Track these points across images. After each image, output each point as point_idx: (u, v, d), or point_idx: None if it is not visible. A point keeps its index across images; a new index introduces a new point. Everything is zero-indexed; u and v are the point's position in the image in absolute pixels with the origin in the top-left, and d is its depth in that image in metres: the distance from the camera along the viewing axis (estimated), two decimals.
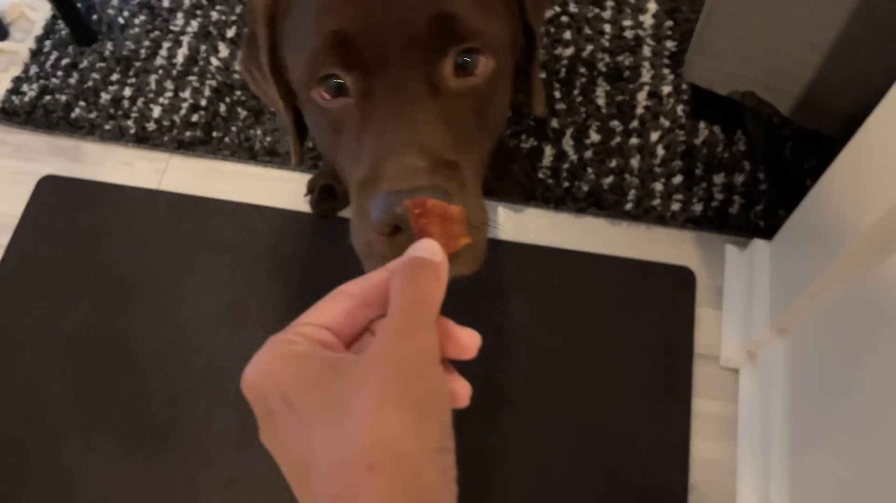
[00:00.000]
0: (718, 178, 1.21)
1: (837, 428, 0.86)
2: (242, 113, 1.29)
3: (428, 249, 0.42)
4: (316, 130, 0.65)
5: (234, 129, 1.28)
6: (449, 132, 0.55)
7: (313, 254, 1.20)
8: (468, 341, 0.41)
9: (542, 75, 1.28)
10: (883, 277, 0.79)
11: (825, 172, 0.91)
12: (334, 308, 0.41)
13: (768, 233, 1.12)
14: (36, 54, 1.36)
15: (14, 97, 1.32)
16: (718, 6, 1.01)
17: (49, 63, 1.35)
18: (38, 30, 1.39)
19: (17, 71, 1.35)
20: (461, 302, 1.11)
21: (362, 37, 0.54)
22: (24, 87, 1.33)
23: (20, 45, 1.39)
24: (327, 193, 1.18)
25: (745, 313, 1.10)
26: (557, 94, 1.28)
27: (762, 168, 1.19)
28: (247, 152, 1.26)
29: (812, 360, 0.95)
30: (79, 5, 1.35)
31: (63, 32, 1.37)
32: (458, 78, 0.57)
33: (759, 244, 1.11)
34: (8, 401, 1.12)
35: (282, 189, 1.24)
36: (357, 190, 0.56)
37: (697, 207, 1.19)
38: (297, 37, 0.60)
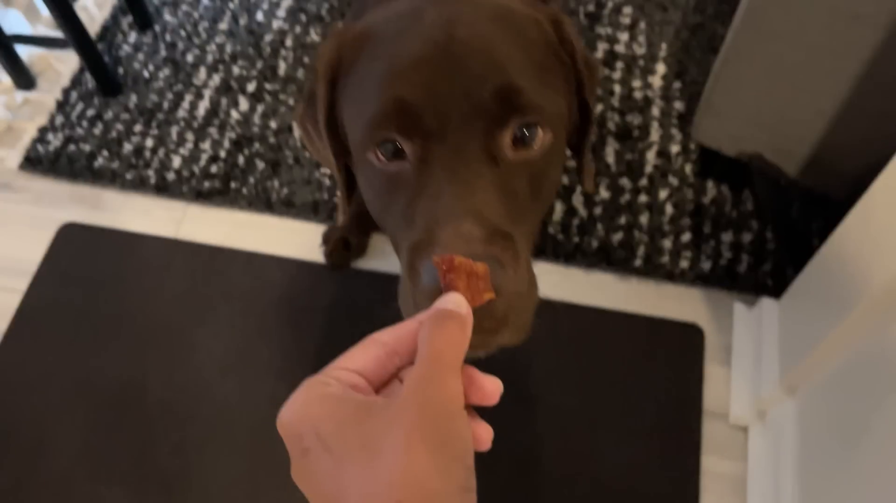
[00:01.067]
0: (727, 237, 1.23)
1: (848, 489, 0.85)
2: (260, 165, 1.32)
3: (454, 302, 0.44)
4: (368, 191, 0.65)
5: (251, 180, 1.31)
6: (504, 202, 0.55)
7: (325, 304, 1.21)
8: (491, 388, 0.43)
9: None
10: (893, 338, 0.80)
11: (832, 234, 0.92)
12: (366, 354, 0.43)
13: (776, 291, 1.13)
14: (62, 105, 1.41)
15: (39, 146, 1.36)
16: (726, 70, 1.04)
17: (75, 113, 1.39)
18: (66, 81, 1.44)
19: (43, 120, 1.39)
20: (485, 366, 1.12)
21: (424, 105, 0.55)
22: (49, 137, 1.37)
23: (47, 96, 1.44)
24: (342, 245, 1.20)
25: (755, 371, 1.10)
26: (568, 152, 1.31)
27: (770, 228, 1.21)
28: (263, 203, 1.29)
29: (822, 420, 0.95)
30: (105, 58, 1.39)
31: (89, 84, 1.42)
32: (515, 150, 0.57)
33: (767, 303, 1.12)
34: (17, 447, 1.12)
35: (296, 239, 1.27)
36: (408, 253, 0.55)
37: (706, 265, 1.20)
38: (358, 98, 0.61)
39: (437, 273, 0.48)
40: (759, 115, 1.06)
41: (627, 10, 1.48)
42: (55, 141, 1.37)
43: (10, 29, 1.40)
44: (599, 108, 1.35)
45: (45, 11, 1.51)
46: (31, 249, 1.27)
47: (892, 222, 0.79)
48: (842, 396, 0.91)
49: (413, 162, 0.57)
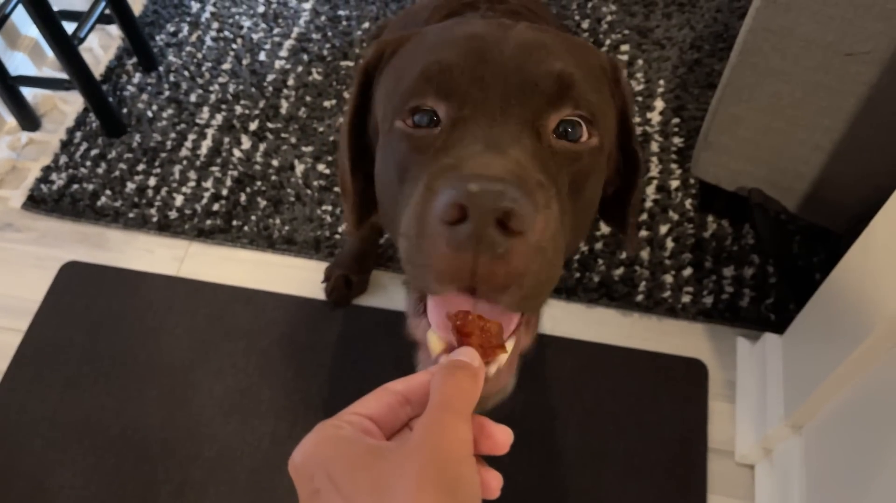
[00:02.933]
0: (728, 271, 1.22)
1: None
2: (262, 202, 1.33)
3: (467, 355, 0.45)
4: (387, 168, 0.58)
5: (253, 217, 1.31)
6: (540, 178, 0.48)
7: (327, 342, 1.21)
8: (502, 438, 0.43)
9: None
10: None
11: (834, 270, 0.92)
12: (379, 402, 0.44)
13: (779, 326, 1.12)
14: (66, 145, 1.42)
15: (43, 185, 1.37)
16: (723, 107, 1.05)
17: (78, 153, 1.40)
18: (70, 121, 1.45)
19: (47, 160, 1.41)
20: None
21: (468, 69, 0.52)
22: (53, 176, 1.38)
23: (51, 136, 1.45)
24: (343, 283, 1.20)
25: (759, 408, 1.09)
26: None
27: (771, 262, 1.21)
28: (265, 240, 1.29)
29: (829, 458, 0.94)
30: (110, 99, 1.41)
31: (93, 124, 1.43)
32: (559, 140, 0.53)
33: (770, 338, 1.11)
34: (17, 490, 1.11)
35: (298, 277, 1.27)
36: (427, 177, 0.49)
37: (708, 300, 1.20)
38: (394, 77, 0.58)
39: (458, 185, 0.43)
40: (756, 151, 1.07)
41: (625, 47, 1.50)
42: (59, 180, 1.38)
43: (15, 70, 1.42)
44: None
45: (50, 53, 1.54)
46: (33, 289, 1.28)
47: (894, 257, 0.79)
48: (848, 433, 0.90)
49: (445, 126, 0.52)
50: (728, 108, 1.05)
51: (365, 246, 1.19)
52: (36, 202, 1.36)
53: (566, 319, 1.21)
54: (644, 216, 1.28)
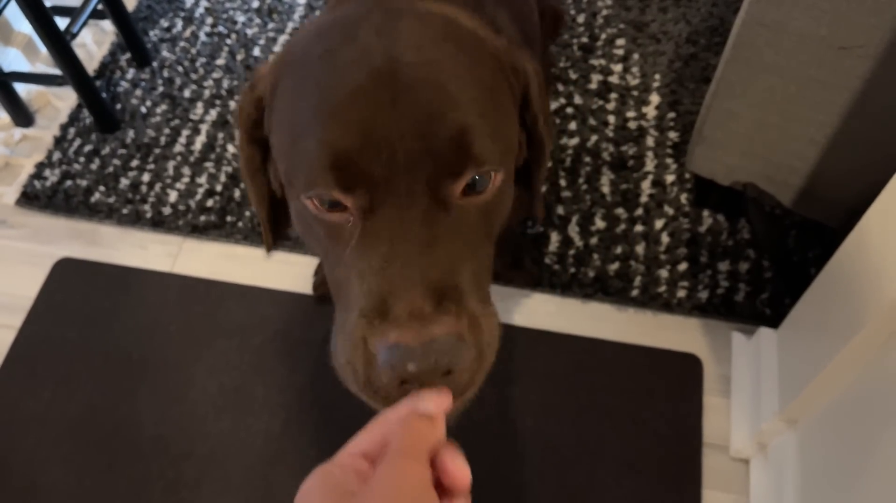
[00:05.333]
0: (723, 266, 1.22)
1: None
2: None
3: (425, 402, 0.49)
4: (306, 233, 0.60)
5: (247, 213, 1.31)
6: (456, 250, 0.53)
7: (320, 338, 1.20)
8: (460, 475, 0.47)
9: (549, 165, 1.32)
10: (893, 366, 0.79)
11: (827, 264, 0.92)
12: (371, 436, 0.49)
13: (774, 320, 1.12)
14: (60, 141, 1.41)
15: (36, 182, 1.36)
16: (717, 101, 1.05)
17: (72, 149, 1.40)
18: (63, 117, 1.45)
19: (40, 157, 1.40)
20: (481, 397, 1.11)
21: (366, 156, 0.50)
22: (47, 173, 1.37)
23: (45, 132, 1.45)
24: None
25: (754, 403, 1.09)
26: (563, 183, 1.31)
27: (766, 257, 1.21)
28: (259, 236, 1.29)
29: (823, 452, 0.94)
30: (103, 95, 1.41)
31: (87, 120, 1.43)
32: (466, 197, 0.54)
33: (765, 332, 1.11)
34: (9, 488, 1.11)
35: (291, 272, 1.26)
36: (358, 322, 0.52)
37: (703, 295, 1.20)
38: (287, 131, 0.55)
39: (397, 361, 0.49)
40: (751, 146, 1.06)
41: (621, 41, 1.49)
42: (52, 177, 1.37)
43: (8, 66, 1.42)
44: (594, 138, 1.36)
45: (43, 49, 1.53)
46: (27, 286, 1.27)
47: (887, 250, 0.78)
48: (842, 427, 0.90)
49: (356, 214, 0.53)
50: (722, 103, 1.05)
51: None
52: (29, 198, 1.35)
53: (561, 314, 1.21)
54: (639, 210, 1.28)
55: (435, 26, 0.56)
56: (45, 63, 1.53)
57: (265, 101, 0.60)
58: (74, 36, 1.31)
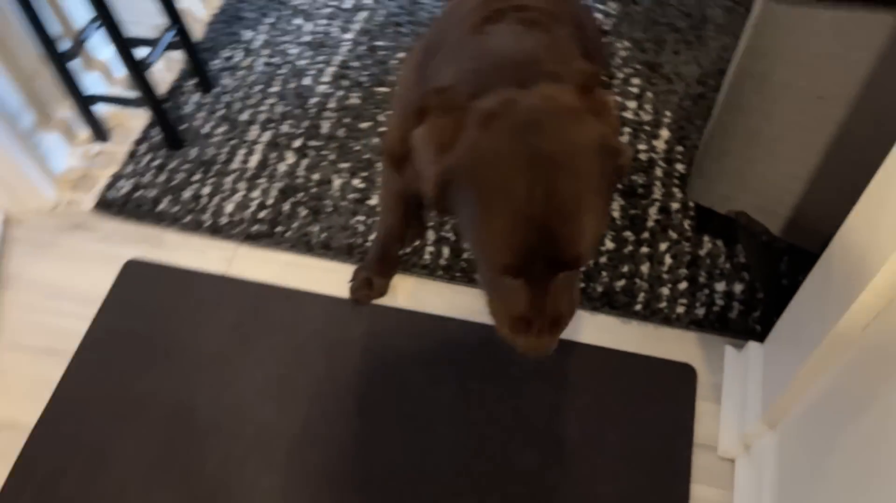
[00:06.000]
0: (720, 287, 1.35)
1: None
2: (303, 212, 1.49)
3: None
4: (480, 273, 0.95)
5: (294, 225, 1.47)
6: (563, 294, 0.85)
7: (355, 337, 1.36)
8: None
9: None
10: (852, 376, 0.92)
11: (801, 285, 1.05)
12: None
13: (763, 336, 1.25)
14: (132, 155, 1.60)
15: (111, 191, 1.54)
16: (714, 140, 1.19)
17: (142, 163, 1.58)
18: (136, 135, 1.63)
19: (114, 169, 1.58)
20: (495, 386, 1.25)
21: (526, 258, 0.80)
22: (120, 183, 1.56)
23: (119, 147, 1.63)
24: (366, 283, 1.36)
25: (741, 408, 1.21)
26: None
27: (757, 279, 1.34)
28: (304, 246, 1.45)
29: (797, 451, 1.06)
30: (171, 116, 1.58)
31: (156, 138, 1.61)
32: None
33: (753, 346, 1.24)
34: (81, 455, 1.26)
35: (332, 279, 1.42)
36: (509, 330, 0.88)
37: (700, 311, 1.33)
38: (478, 231, 0.82)
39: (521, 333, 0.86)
40: (742, 179, 1.20)
41: (636, 80, 1.64)
42: (125, 187, 1.55)
43: (89, 89, 1.60)
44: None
45: (118, 73, 1.72)
46: (100, 282, 1.44)
47: (847, 273, 0.91)
48: (812, 429, 1.03)
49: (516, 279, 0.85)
50: (717, 142, 1.19)
51: (388, 251, 1.35)
52: (104, 206, 1.53)
53: (571, 324, 1.34)
54: (646, 234, 1.42)
55: (569, 129, 0.81)
56: (121, 86, 1.72)
57: (452, 181, 0.83)
58: (150, 64, 1.50)
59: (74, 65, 1.54)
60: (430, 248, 1.43)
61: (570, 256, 0.80)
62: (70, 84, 1.52)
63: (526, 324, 0.85)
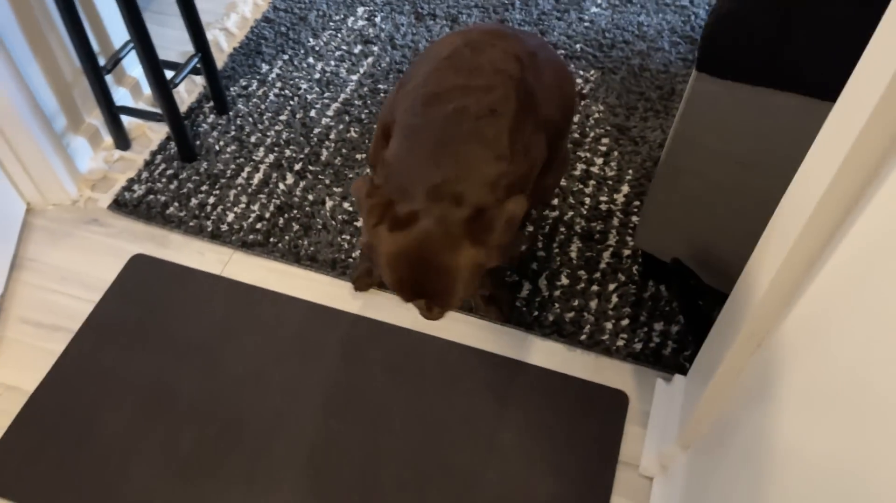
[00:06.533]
0: (658, 326, 1.51)
1: None
2: (295, 227, 1.66)
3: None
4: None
5: (287, 237, 1.64)
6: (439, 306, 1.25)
7: (330, 342, 1.51)
8: None
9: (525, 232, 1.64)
10: (736, 399, 1.08)
11: (714, 325, 1.21)
12: None
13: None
14: (148, 164, 1.78)
15: (126, 193, 1.72)
16: (655, 193, 1.37)
17: (157, 171, 1.76)
18: (154, 146, 1.82)
19: (131, 174, 1.77)
20: (448, 394, 1.40)
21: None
22: (135, 187, 1.73)
23: (137, 156, 1.81)
24: (365, 272, 1.54)
25: (663, 432, 1.36)
26: (540, 245, 1.63)
27: (684, 319, 1.50)
28: (294, 257, 1.62)
29: (701, 471, 1.20)
30: (188, 132, 1.77)
31: (172, 150, 1.79)
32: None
33: (679, 379, 1.39)
34: (70, 422, 1.41)
35: (315, 288, 1.58)
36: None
37: (638, 346, 1.49)
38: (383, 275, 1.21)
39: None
40: (679, 230, 1.37)
41: (605, 140, 1.83)
42: (139, 191, 1.73)
43: (118, 102, 1.80)
44: (570, 214, 1.68)
45: (146, 91, 1.92)
46: (107, 271, 1.61)
47: (734, 315, 1.07)
48: (710, 451, 1.17)
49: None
50: (658, 196, 1.36)
51: None
52: (119, 205, 1.71)
53: (522, 347, 1.50)
54: (598, 274, 1.59)
55: (443, 254, 1.14)
56: (145, 102, 1.92)
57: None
58: (176, 85, 1.69)
59: (108, 79, 1.73)
60: None
61: (434, 301, 1.21)
62: (102, 95, 1.72)
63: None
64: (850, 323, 0.73)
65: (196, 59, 1.76)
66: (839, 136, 0.75)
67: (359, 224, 1.67)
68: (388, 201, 1.19)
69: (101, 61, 1.71)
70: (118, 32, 1.77)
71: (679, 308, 1.52)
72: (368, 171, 1.74)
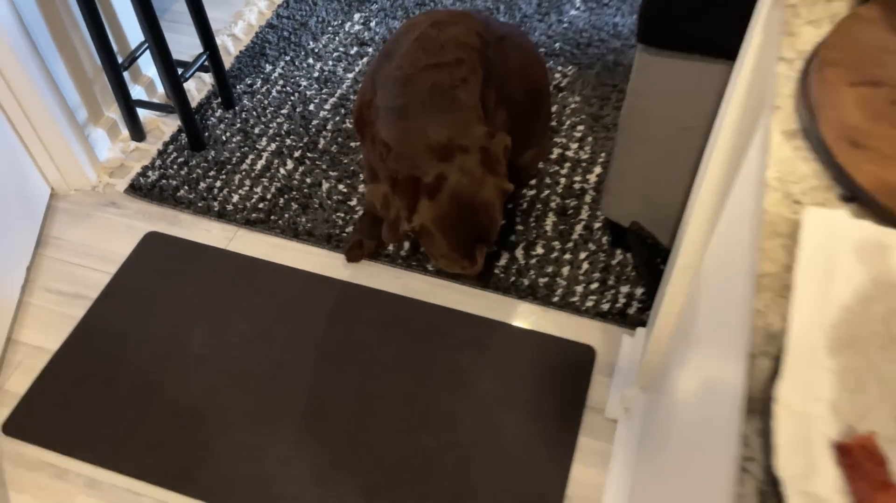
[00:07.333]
0: (625, 289, 1.65)
1: (662, 459, 1.23)
2: (294, 206, 1.82)
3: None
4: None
5: (286, 215, 1.80)
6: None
7: (325, 304, 1.66)
8: None
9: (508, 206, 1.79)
10: (674, 339, 1.21)
11: (663, 279, 1.35)
12: None
13: None
14: (161, 153, 1.95)
15: (141, 179, 1.89)
16: (614, 162, 1.52)
17: (169, 159, 1.93)
18: (167, 137, 1.99)
19: (146, 162, 1.93)
20: (434, 350, 1.53)
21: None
22: (149, 173, 1.90)
23: (151, 146, 1.99)
24: (357, 244, 1.69)
25: (626, 380, 1.49)
26: (518, 219, 1.78)
27: (642, 277, 1.63)
28: (292, 232, 1.77)
29: (654, 409, 1.34)
30: (198, 125, 1.94)
31: (183, 141, 1.96)
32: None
33: (641, 331, 1.53)
34: (92, 375, 1.56)
35: (312, 260, 1.74)
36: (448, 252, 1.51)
37: (605, 306, 1.62)
38: (440, 240, 1.45)
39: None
40: (637, 196, 1.52)
41: (581, 127, 1.98)
42: (152, 176, 1.90)
43: (134, 97, 1.97)
44: (546, 192, 1.83)
45: (159, 90, 2.10)
46: (123, 247, 1.77)
47: (673, 266, 1.21)
48: (657, 394, 1.31)
49: None
50: (618, 164, 1.51)
51: (374, 216, 1.68)
52: (134, 189, 1.88)
53: (499, 308, 1.64)
54: (570, 244, 1.73)
55: (478, 190, 1.41)
56: (159, 99, 2.09)
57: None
58: (186, 78, 1.87)
59: (125, 76, 1.91)
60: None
61: (483, 242, 1.44)
62: (120, 90, 1.89)
63: (467, 267, 1.48)
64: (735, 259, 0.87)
65: (205, 57, 1.94)
66: (728, 99, 0.90)
67: (353, 203, 1.83)
68: (412, 179, 1.40)
69: (119, 59, 1.88)
70: (134, 33, 1.96)
71: (637, 266, 1.66)
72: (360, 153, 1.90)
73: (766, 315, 0.48)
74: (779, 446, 0.40)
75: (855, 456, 0.39)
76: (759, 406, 0.43)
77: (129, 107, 1.94)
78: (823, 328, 0.44)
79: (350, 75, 2.15)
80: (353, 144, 1.96)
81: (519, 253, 1.72)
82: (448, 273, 1.69)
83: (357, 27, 2.30)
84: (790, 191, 0.54)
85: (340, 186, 1.87)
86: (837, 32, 0.64)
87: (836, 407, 0.41)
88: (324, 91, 2.11)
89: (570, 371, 1.55)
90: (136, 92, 2.02)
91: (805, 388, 0.42)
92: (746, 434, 0.42)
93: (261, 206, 1.83)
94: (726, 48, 1.17)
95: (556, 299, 1.64)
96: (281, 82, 2.14)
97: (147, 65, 2.06)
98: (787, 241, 0.51)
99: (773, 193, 0.54)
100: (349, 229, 1.78)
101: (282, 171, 1.90)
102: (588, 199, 1.82)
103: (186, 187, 1.88)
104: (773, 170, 0.56)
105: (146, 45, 1.89)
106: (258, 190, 1.86)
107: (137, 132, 1.99)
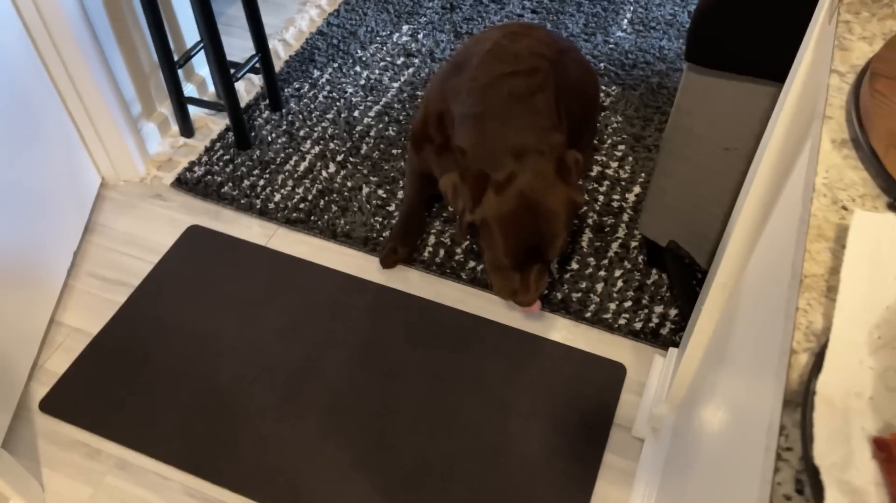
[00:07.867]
0: (658, 309, 1.64)
1: (689, 482, 1.22)
2: (334, 208, 1.85)
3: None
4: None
5: (326, 217, 1.83)
6: (542, 273, 1.52)
7: (357, 305, 1.68)
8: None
9: None
10: (706, 381, 1.20)
11: (697, 304, 1.34)
12: None
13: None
14: (208, 150, 2.00)
15: (188, 173, 1.94)
16: (654, 181, 1.52)
17: (216, 156, 1.98)
18: (214, 135, 2.04)
19: (193, 158, 1.99)
20: (462, 357, 1.55)
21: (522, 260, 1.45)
22: (195, 169, 1.95)
23: (199, 143, 2.04)
24: (391, 250, 1.71)
25: (656, 399, 1.48)
26: None
27: (678, 297, 1.63)
28: (330, 233, 1.80)
29: (683, 429, 1.32)
30: (245, 125, 1.99)
31: (230, 139, 2.01)
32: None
33: (673, 352, 1.52)
34: (132, 357, 1.59)
35: (347, 261, 1.76)
36: (509, 294, 1.56)
37: (638, 325, 1.62)
38: (497, 244, 1.45)
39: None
40: (676, 215, 1.52)
41: (622, 147, 1.99)
42: (198, 172, 1.94)
43: (186, 94, 2.03)
44: (584, 209, 1.84)
45: (210, 89, 2.15)
46: (167, 238, 1.82)
47: (713, 301, 1.21)
48: (687, 414, 1.30)
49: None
50: (658, 183, 1.51)
51: (410, 223, 1.71)
52: (180, 183, 1.92)
53: (530, 320, 1.65)
54: (605, 261, 1.73)
55: (548, 195, 1.42)
56: (210, 98, 2.15)
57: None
58: (238, 78, 1.92)
59: (179, 73, 1.97)
60: (429, 249, 1.77)
61: (544, 258, 1.42)
62: (174, 87, 1.95)
63: (519, 292, 1.48)
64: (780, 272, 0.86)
65: (256, 59, 1.99)
66: (777, 115, 0.91)
67: (391, 209, 1.85)
68: (482, 173, 1.41)
69: (175, 57, 1.94)
70: (191, 33, 2.02)
71: (672, 286, 1.65)
72: (408, 148, 1.92)
73: (809, 313, 0.48)
74: (817, 436, 0.40)
75: (892, 451, 0.39)
76: (799, 399, 0.44)
77: (181, 103, 1.99)
78: (867, 327, 0.44)
79: (395, 84, 2.19)
80: (394, 151, 1.99)
81: (553, 266, 1.72)
82: (480, 281, 1.71)
83: (405, 38, 2.34)
84: (838, 197, 0.55)
85: (380, 191, 1.89)
86: (890, 47, 0.64)
87: (875, 403, 0.41)
88: (369, 98, 2.14)
89: (599, 387, 1.55)
90: (189, 90, 2.08)
91: (845, 383, 0.42)
92: (784, 425, 0.43)
93: (301, 206, 1.86)
94: (773, 70, 1.18)
95: (588, 315, 1.64)
96: (328, 88, 2.18)
97: (200, 64, 2.11)
98: (833, 244, 0.52)
99: (822, 199, 0.55)
100: (386, 233, 1.80)
101: (324, 173, 1.94)
102: (626, 217, 1.82)
103: (230, 184, 1.92)
104: (821, 176, 0.56)
105: (201, 44, 1.95)
106: (300, 190, 1.90)
107: (187, 128, 2.05)
